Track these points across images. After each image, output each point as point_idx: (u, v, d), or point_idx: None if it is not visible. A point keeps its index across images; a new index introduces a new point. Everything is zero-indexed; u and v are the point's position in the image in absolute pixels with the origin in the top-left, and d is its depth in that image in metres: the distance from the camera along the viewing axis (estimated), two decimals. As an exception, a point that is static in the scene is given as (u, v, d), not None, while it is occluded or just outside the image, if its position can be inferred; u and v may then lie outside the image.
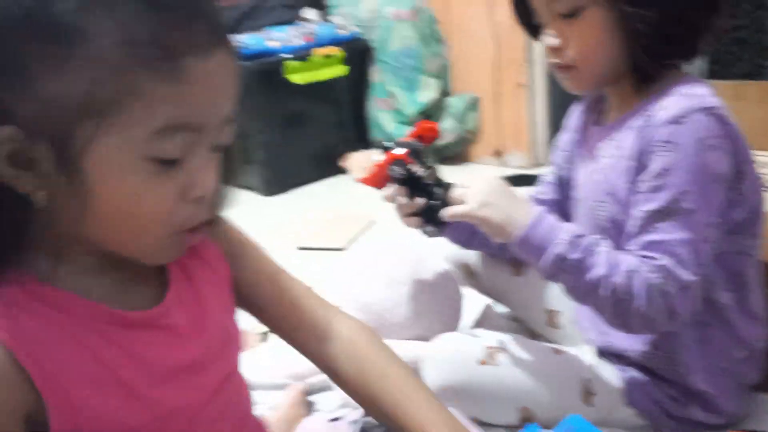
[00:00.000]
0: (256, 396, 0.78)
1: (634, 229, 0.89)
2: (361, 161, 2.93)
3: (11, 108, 0.50)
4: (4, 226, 0.54)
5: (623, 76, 0.96)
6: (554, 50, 0.95)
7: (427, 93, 2.89)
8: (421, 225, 1.05)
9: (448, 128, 2.91)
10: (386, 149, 1.05)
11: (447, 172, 2.83)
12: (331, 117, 2.99)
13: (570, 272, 0.88)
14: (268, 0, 3.04)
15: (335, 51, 2.87)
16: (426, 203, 1.03)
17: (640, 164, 0.90)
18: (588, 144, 1.05)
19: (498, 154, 2.92)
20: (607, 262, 0.87)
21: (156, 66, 0.50)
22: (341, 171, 2.99)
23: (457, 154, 3.00)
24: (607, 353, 1.03)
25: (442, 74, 2.95)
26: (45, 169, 0.51)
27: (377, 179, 1.05)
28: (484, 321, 1.29)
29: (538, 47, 2.71)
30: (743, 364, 0.97)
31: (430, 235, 1.04)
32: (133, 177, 0.53)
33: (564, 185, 1.14)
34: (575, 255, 0.88)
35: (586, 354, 1.04)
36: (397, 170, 1.02)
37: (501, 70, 2.80)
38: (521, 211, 0.92)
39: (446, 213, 0.97)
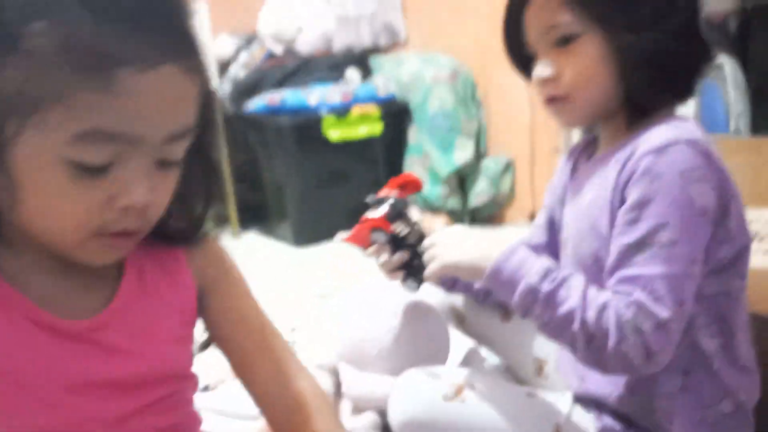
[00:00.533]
0: (229, 425, 0.76)
1: (611, 264, 0.85)
2: (392, 218, 2.94)
3: None
4: None
5: (617, 111, 0.93)
6: (547, 82, 0.93)
7: (463, 154, 2.90)
8: (403, 279, 1.04)
9: (482, 190, 2.90)
10: (369, 206, 1.06)
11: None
12: (366, 174, 3.02)
13: (542, 305, 0.84)
14: (314, 61, 3.15)
15: (373, 109, 2.93)
16: (407, 260, 1.02)
17: (621, 197, 0.86)
18: (576, 182, 1.02)
19: (532, 217, 2.87)
20: (580, 295, 0.83)
21: (86, 73, 0.51)
22: (373, 228, 3.00)
23: (490, 216, 2.97)
24: (584, 399, 0.96)
25: (478, 136, 2.96)
26: None
27: (360, 238, 1.05)
28: (468, 364, 1.24)
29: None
30: (730, 419, 0.89)
31: (412, 290, 1.04)
32: (53, 177, 0.54)
33: (553, 227, 1.11)
34: (547, 287, 0.84)
35: (562, 400, 0.97)
36: (377, 237, 1.02)
37: (536, 134, 2.79)
38: (494, 248, 0.90)
39: (424, 275, 0.99)
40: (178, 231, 0.70)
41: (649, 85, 0.89)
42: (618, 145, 0.91)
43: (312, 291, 2.23)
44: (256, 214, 3.01)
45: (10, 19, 0.51)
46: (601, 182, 0.91)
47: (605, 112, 0.93)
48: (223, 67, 3.22)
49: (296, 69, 3.07)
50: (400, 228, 1.05)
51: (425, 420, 0.93)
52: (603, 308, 0.81)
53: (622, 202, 0.85)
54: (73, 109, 0.51)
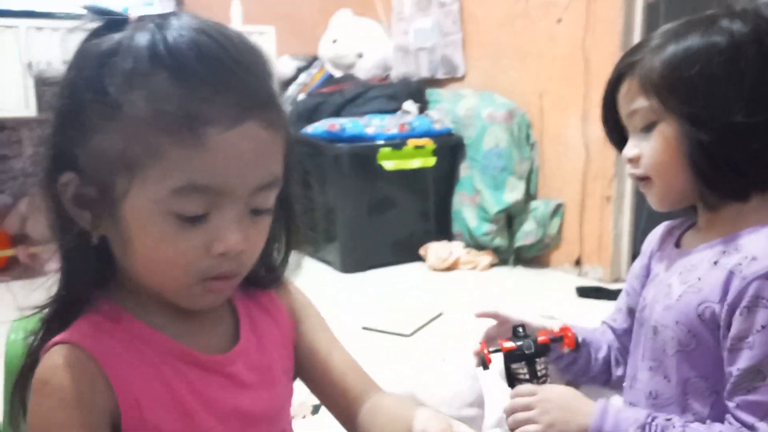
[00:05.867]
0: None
1: (729, 387, 0.85)
2: (439, 252, 2.97)
3: (72, 155, 0.60)
4: (79, 256, 0.63)
5: (700, 199, 0.94)
6: (632, 161, 0.96)
7: (513, 194, 2.93)
8: None
9: (529, 231, 2.92)
10: (514, 335, 1.04)
11: (525, 275, 2.85)
12: (416, 206, 3.07)
13: None
14: (373, 89, 3.21)
15: (427, 142, 2.98)
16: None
17: (728, 314, 0.86)
18: (663, 264, 1.02)
19: (577, 263, 2.89)
20: None
21: (178, 134, 0.57)
22: (419, 259, 3.04)
23: (536, 258, 2.99)
24: None
25: (529, 177, 2.99)
26: (96, 211, 0.61)
27: (484, 349, 1.05)
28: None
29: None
30: None
31: None
32: (158, 227, 0.60)
33: (633, 313, 1.11)
34: None
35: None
36: (512, 368, 1.02)
37: (589, 181, 2.81)
38: (583, 408, 0.94)
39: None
40: (267, 273, 0.75)
41: (711, 179, 0.89)
42: (712, 238, 0.92)
43: (357, 320, 2.27)
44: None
45: (113, 91, 0.58)
46: (696, 279, 0.91)
47: (687, 199, 0.94)
48: (283, 87, 3.30)
49: (355, 96, 3.14)
50: (521, 370, 1.04)
51: None
52: None
53: (727, 319, 0.85)
54: (170, 167, 0.58)
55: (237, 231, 0.61)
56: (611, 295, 2.61)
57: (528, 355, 1.00)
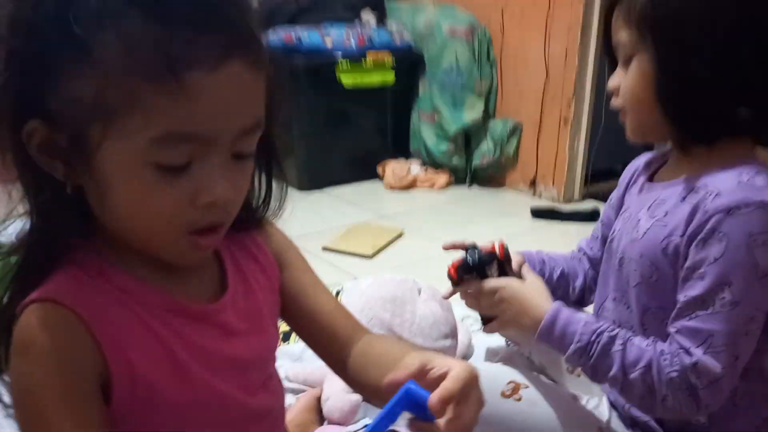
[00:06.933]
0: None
1: (675, 312, 0.90)
2: (397, 170, 2.96)
3: (37, 102, 0.55)
4: (53, 207, 0.59)
5: (672, 136, 0.95)
6: (613, 92, 0.97)
7: (472, 113, 2.92)
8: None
9: (487, 151, 2.93)
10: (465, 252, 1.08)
11: (481, 194, 2.88)
12: (374, 122, 3.02)
13: (589, 373, 0.95)
14: (328, -3, 3.08)
15: (387, 57, 2.91)
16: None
17: (686, 245, 0.89)
18: (634, 197, 1.05)
19: (532, 184, 2.93)
20: (622, 362, 0.90)
21: (156, 78, 0.52)
22: (376, 176, 3.02)
23: (491, 178, 3.02)
24: (622, 414, 1.04)
25: (488, 96, 2.97)
26: (68, 160, 0.56)
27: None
28: (507, 361, 1.30)
29: (588, 84, 2.73)
30: None
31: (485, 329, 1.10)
32: (137, 179, 0.56)
33: (606, 241, 1.14)
34: (590, 362, 0.93)
35: (602, 405, 1.05)
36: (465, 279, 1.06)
37: (547, 102, 2.81)
38: (540, 304, 0.99)
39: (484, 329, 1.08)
40: (249, 215, 0.72)
41: (684, 120, 0.90)
42: (682, 174, 0.95)
43: (317, 241, 2.27)
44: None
45: (81, 32, 0.52)
46: (663, 213, 0.94)
47: (658, 134, 0.96)
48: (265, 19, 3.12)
49: (311, 5, 3.00)
50: (472, 280, 1.06)
51: (483, 414, 0.99)
52: (646, 370, 0.89)
53: (686, 250, 0.89)
54: (150, 114, 0.53)
55: (223, 180, 0.58)
56: (564, 216, 2.68)
57: (475, 264, 1.04)
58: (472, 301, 1.07)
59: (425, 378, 0.58)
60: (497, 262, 1.05)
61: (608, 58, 1.01)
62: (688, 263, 0.89)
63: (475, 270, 1.05)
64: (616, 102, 0.97)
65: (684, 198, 0.91)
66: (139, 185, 0.56)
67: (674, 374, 0.87)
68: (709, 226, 0.86)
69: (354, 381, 0.76)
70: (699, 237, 0.87)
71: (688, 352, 0.87)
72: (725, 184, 0.87)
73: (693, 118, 0.90)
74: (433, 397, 0.56)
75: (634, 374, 0.89)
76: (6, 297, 0.61)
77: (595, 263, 1.14)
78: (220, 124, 0.56)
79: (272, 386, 0.74)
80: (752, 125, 0.91)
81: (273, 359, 0.75)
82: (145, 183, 0.56)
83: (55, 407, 0.56)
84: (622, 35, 0.92)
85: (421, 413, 0.56)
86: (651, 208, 0.96)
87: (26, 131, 0.55)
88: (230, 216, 0.63)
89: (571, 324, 0.95)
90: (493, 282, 1.03)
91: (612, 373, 0.91)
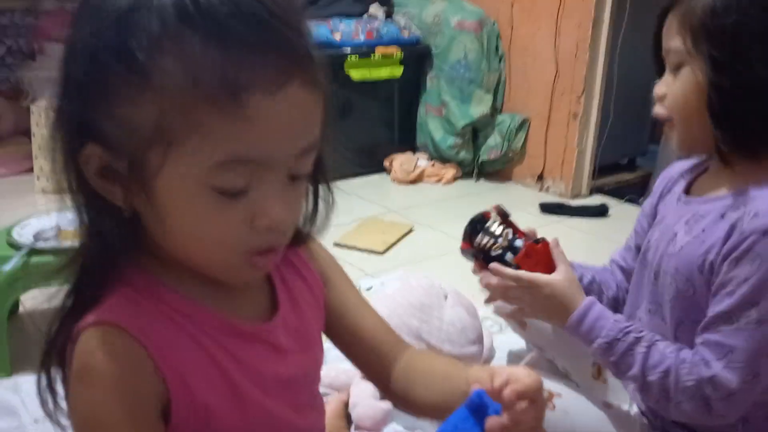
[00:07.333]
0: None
1: (702, 324, 0.91)
2: (405, 164, 2.96)
3: (96, 126, 0.55)
4: (109, 229, 0.58)
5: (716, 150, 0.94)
6: (658, 99, 0.96)
7: (479, 107, 2.91)
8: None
9: (494, 145, 2.93)
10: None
11: (488, 188, 2.88)
12: (381, 115, 3.01)
13: (612, 369, 0.97)
14: (337, -10, 3.05)
15: (395, 51, 2.89)
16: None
17: (721, 263, 0.89)
18: (671, 209, 1.04)
19: (539, 178, 2.94)
20: (643, 363, 0.93)
21: (218, 103, 0.52)
22: (383, 170, 3.02)
23: (498, 172, 3.02)
24: (651, 415, 1.05)
25: (496, 90, 2.97)
26: (125, 184, 0.56)
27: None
28: (532, 367, 1.31)
29: (598, 80, 2.73)
30: None
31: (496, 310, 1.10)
32: (197, 204, 0.55)
33: (641, 251, 1.13)
34: (612, 358, 0.95)
35: (632, 412, 1.06)
36: (465, 256, 1.07)
37: (556, 97, 2.81)
38: (570, 296, 1.00)
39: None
40: (296, 233, 0.72)
41: (739, 128, 0.89)
42: (721, 191, 0.94)
43: (328, 235, 2.26)
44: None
45: (141, 57, 0.52)
46: (701, 230, 0.94)
47: (705, 147, 0.95)
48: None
49: (319, -2, 2.98)
50: (483, 241, 1.07)
51: None
52: (665, 375, 0.91)
53: (719, 268, 0.89)
54: (212, 139, 0.53)
55: (281, 203, 0.57)
56: (572, 211, 2.69)
57: (477, 222, 1.06)
58: (500, 291, 1.06)
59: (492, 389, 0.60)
60: (501, 219, 1.07)
61: (656, 64, 1.00)
62: (719, 279, 0.89)
63: (477, 224, 1.06)
64: (660, 111, 0.96)
65: (723, 215, 0.91)
66: (198, 209, 0.56)
67: (691, 383, 0.89)
68: (744, 245, 0.86)
69: (399, 398, 0.77)
70: (733, 255, 0.88)
71: (707, 364, 0.88)
72: (765, 205, 0.87)
73: (742, 130, 0.90)
74: (508, 391, 0.58)
75: (652, 377, 0.91)
76: (59, 318, 0.61)
77: (628, 275, 1.14)
78: (280, 147, 0.55)
79: (318, 404, 0.75)
80: None
81: (319, 378, 0.75)
82: (204, 207, 0.56)
83: None
84: (675, 42, 0.91)
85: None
86: (689, 223, 0.96)
87: (84, 156, 0.55)
88: (287, 237, 0.63)
89: (601, 319, 0.97)
90: (524, 273, 1.03)
91: (632, 372, 0.93)
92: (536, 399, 0.60)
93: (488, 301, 1.10)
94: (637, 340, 0.94)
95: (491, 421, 0.58)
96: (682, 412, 0.91)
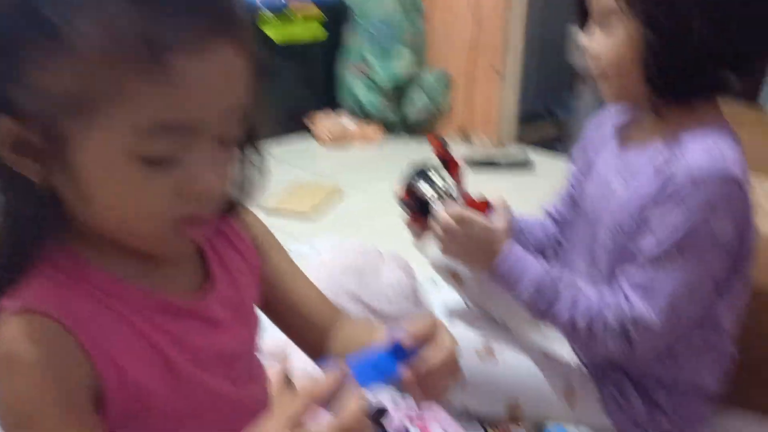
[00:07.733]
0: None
1: (629, 264, 0.93)
2: (329, 125, 2.91)
3: (7, 97, 0.50)
4: (25, 207, 0.54)
5: (648, 98, 0.95)
6: (587, 54, 0.97)
7: (402, 64, 2.88)
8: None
9: (419, 103, 2.92)
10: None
11: (414, 146, 2.88)
12: (302, 75, 2.94)
13: (540, 316, 0.99)
14: (248, -55, 2.93)
15: (314, 11, 2.82)
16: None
17: (650, 207, 0.92)
18: (604, 159, 1.05)
19: (464, 133, 2.95)
20: (569, 306, 0.95)
21: (140, 65, 0.48)
22: (306, 131, 2.97)
23: (423, 129, 3.02)
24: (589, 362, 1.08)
25: (418, 47, 2.94)
26: (42, 158, 0.52)
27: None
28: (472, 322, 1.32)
29: (517, 33, 2.74)
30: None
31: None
32: (122, 175, 0.52)
33: (576, 202, 1.15)
34: (541, 306, 0.97)
35: (570, 359, 1.09)
36: (401, 206, 1.05)
37: (477, 52, 2.82)
38: (489, 249, 1.00)
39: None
40: (228, 202, 0.70)
41: (660, 81, 0.91)
42: (651, 140, 0.95)
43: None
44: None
45: (52, 16, 0.48)
46: (631, 179, 0.95)
47: (637, 98, 0.96)
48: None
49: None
50: (419, 192, 1.05)
51: (467, 378, 1.01)
52: (589, 314, 0.94)
53: (649, 211, 0.91)
54: (135, 105, 0.49)
55: (210, 169, 0.54)
56: (498, 165, 2.73)
57: (419, 173, 1.06)
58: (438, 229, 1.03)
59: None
60: (441, 155, 1.07)
61: (578, 17, 0.99)
62: (649, 223, 0.91)
63: (422, 177, 1.05)
64: (592, 64, 0.96)
65: (656, 165, 0.93)
66: (123, 181, 0.52)
67: (615, 324, 0.92)
68: (673, 191, 0.88)
69: None
70: (662, 198, 0.90)
71: (631, 305, 0.91)
72: (695, 154, 0.89)
73: (676, 81, 0.91)
74: (405, 337, 0.59)
75: (581, 323, 0.94)
76: None
77: (562, 226, 1.15)
78: (207, 110, 0.52)
79: (258, 375, 0.72)
80: (731, 86, 0.93)
81: (257, 348, 0.73)
82: (130, 178, 0.52)
83: (48, 423, 0.53)
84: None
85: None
86: (623, 175, 0.98)
87: None
88: (217, 204, 0.59)
89: (521, 260, 0.98)
90: (456, 209, 1.00)
91: (561, 320, 0.96)
92: (438, 342, 0.60)
93: (415, 241, 1.09)
94: (557, 284, 0.96)
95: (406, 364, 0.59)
96: (608, 351, 0.94)
